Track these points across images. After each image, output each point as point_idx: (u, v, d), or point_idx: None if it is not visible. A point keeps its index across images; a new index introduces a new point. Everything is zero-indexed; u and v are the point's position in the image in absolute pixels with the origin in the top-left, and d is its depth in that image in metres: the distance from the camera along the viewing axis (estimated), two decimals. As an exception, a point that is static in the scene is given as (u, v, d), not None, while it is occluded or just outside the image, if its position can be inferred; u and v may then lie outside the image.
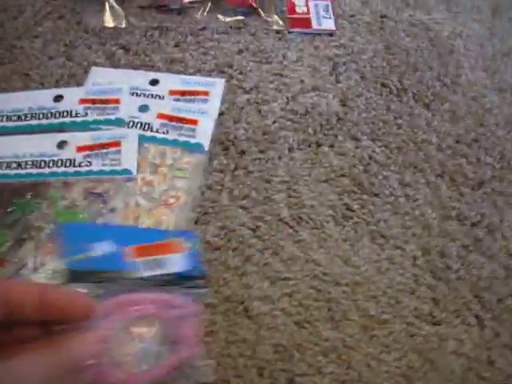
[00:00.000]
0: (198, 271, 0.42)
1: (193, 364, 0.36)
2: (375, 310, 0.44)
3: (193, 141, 0.49)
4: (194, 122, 0.49)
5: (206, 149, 0.48)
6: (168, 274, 0.41)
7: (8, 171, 0.47)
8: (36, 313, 0.30)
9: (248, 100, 0.52)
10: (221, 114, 0.51)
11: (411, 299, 0.44)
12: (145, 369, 0.36)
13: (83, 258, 0.41)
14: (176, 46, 0.56)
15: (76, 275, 0.40)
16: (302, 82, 0.54)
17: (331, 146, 0.50)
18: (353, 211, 0.48)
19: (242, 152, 0.49)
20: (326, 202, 0.48)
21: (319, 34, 0.57)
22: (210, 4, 0.57)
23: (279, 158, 0.49)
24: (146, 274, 0.41)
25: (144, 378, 0.35)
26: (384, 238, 0.47)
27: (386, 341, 0.43)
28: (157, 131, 0.49)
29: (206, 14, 0.57)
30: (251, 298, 0.43)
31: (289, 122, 0.51)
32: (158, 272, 0.41)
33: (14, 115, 0.50)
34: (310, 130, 0.51)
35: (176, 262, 0.42)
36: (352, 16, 0.59)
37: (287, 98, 0.53)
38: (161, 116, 0.50)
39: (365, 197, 0.48)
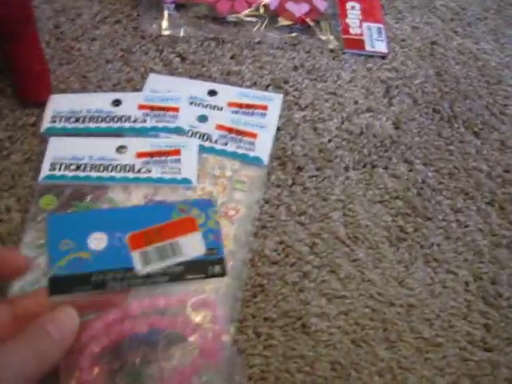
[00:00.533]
0: (216, 253, 0.34)
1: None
2: (429, 333, 0.44)
3: (252, 154, 0.49)
4: (254, 136, 0.50)
5: (265, 163, 0.49)
6: (179, 264, 0.33)
7: (67, 173, 0.47)
8: None
9: (304, 117, 0.53)
10: (278, 129, 0.52)
11: (464, 324, 0.45)
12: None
13: (72, 259, 0.34)
14: (232, 58, 0.56)
15: (63, 283, 0.33)
16: (356, 102, 0.55)
17: (385, 168, 0.51)
18: (407, 233, 0.48)
19: (299, 168, 0.50)
20: (380, 222, 0.48)
21: (372, 56, 0.58)
22: (267, 19, 0.57)
23: (335, 176, 0.50)
24: (153, 267, 0.33)
25: None
26: (437, 262, 0.47)
27: (440, 364, 0.43)
28: (216, 142, 0.49)
29: (262, 29, 0.57)
30: (309, 314, 0.44)
31: (344, 142, 0.52)
32: (169, 262, 0.34)
33: (73, 117, 0.50)
34: (365, 151, 0.52)
35: (190, 246, 0.34)
36: (403, 40, 0.60)
37: (342, 118, 0.53)
38: (220, 127, 0.50)
39: (418, 220, 0.49)
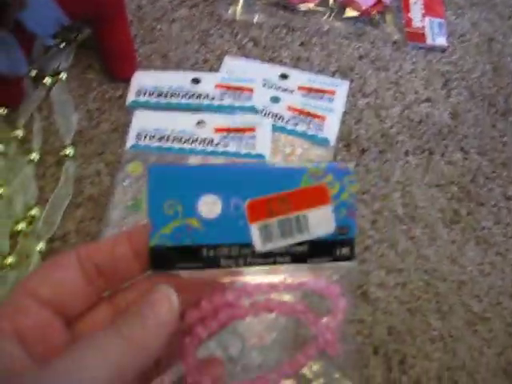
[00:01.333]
0: (349, 232, 0.28)
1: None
2: (478, 308, 0.48)
3: (320, 135, 0.53)
4: (322, 118, 0.54)
5: (332, 144, 0.53)
6: (303, 243, 0.28)
7: (151, 143, 0.52)
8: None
9: (367, 103, 0.57)
10: (344, 113, 0.56)
11: (511, 302, 0.49)
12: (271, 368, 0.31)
13: (179, 227, 0.27)
14: (301, 44, 0.60)
15: (167, 256, 0.27)
16: (416, 92, 0.58)
17: (442, 155, 0.55)
18: (460, 216, 0.52)
19: (363, 150, 0.54)
20: (436, 205, 0.52)
21: (432, 49, 0.61)
22: (335, 10, 0.61)
23: (396, 160, 0.54)
24: (275, 245, 0.27)
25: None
26: (487, 244, 0.51)
27: (487, 336, 0.47)
28: (287, 122, 0.54)
29: (330, 18, 0.61)
30: (369, 284, 0.48)
31: (405, 128, 0.56)
32: (293, 240, 0.27)
33: (156, 92, 0.55)
34: (424, 138, 0.55)
35: (318, 222, 0.27)
36: (462, 36, 0.63)
37: (403, 106, 0.57)
38: (291, 109, 0.54)
39: (471, 205, 0.52)
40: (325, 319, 0.28)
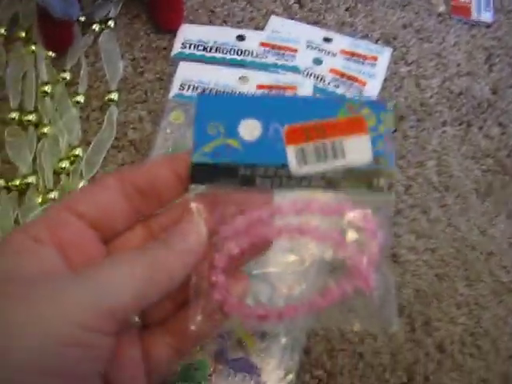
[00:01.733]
0: (386, 164, 0.28)
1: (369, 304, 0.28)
2: (506, 278, 0.49)
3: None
4: (363, 83, 0.54)
5: (372, 108, 0.53)
6: (339, 169, 0.28)
7: (193, 94, 0.53)
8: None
9: (409, 72, 0.57)
10: (384, 80, 0.56)
11: (538, 276, 0.49)
12: (299, 300, 0.30)
13: (220, 146, 0.28)
14: (347, 10, 0.60)
15: (206, 172, 0.28)
16: (458, 65, 0.58)
17: (480, 128, 0.55)
18: (494, 189, 0.52)
19: (402, 117, 0.54)
20: (471, 176, 0.52)
21: (477, 24, 0.61)
22: (383, -23, 0.61)
23: (433, 129, 0.54)
24: (310, 168, 0.28)
25: (294, 313, 0.29)
26: (519, 218, 0.51)
27: (513, 307, 0.48)
28: (328, 84, 0.54)
29: (377, -14, 0.61)
30: (400, 246, 0.49)
31: (444, 99, 0.56)
32: (328, 165, 0.28)
33: (201, 45, 0.55)
34: (463, 110, 0.55)
35: (355, 150, 0.28)
36: (509, 12, 0.62)
37: (444, 77, 0.57)
38: (333, 71, 0.55)
39: (506, 178, 0.53)
40: (360, 252, 0.28)
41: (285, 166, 0.28)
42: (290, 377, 0.43)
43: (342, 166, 0.28)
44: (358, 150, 0.28)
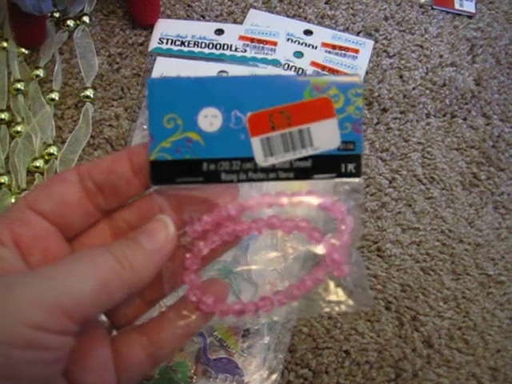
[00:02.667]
0: (355, 148, 0.27)
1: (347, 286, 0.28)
2: (493, 271, 0.48)
3: (342, 91, 0.52)
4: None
5: (354, 101, 0.52)
6: (304, 158, 0.27)
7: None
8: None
9: (391, 64, 0.56)
10: (366, 72, 0.55)
11: (526, 268, 0.48)
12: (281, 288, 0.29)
13: (179, 140, 0.26)
14: (327, 3, 0.59)
15: (166, 170, 0.26)
16: (440, 56, 0.57)
17: (464, 119, 0.54)
18: (479, 180, 0.51)
19: (384, 110, 0.53)
20: (456, 167, 0.52)
21: (459, 15, 0.60)
22: (363, -31, 0.60)
23: (417, 121, 0.53)
24: (277, 159, 0.26)
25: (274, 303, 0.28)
26: (505, 209, 0.50)
27: (501, 300, 0.47)
28: (309, 77, 0.53)
29: (358, -23, 0.60)
30: (384, 240, 0.48)
31: (427, 91, 0.55)
32: (296, 155, 0.26)
33: (178, 40, 0.54)
34: (447, 101, 0.54)
35: (323, 136, 0.26)
36: (491, 3, 0.62)
37: (427, 69, 0.56)
38: (314, 64, 0.54)
39: (491, 169, 0.52)
40: (331, 238, 0.27)
41: (251, 158, 0.27)
42: (274, 376, 0.42)
43: (310, 154, 0.27)
44: (325, 136, 0.27)
